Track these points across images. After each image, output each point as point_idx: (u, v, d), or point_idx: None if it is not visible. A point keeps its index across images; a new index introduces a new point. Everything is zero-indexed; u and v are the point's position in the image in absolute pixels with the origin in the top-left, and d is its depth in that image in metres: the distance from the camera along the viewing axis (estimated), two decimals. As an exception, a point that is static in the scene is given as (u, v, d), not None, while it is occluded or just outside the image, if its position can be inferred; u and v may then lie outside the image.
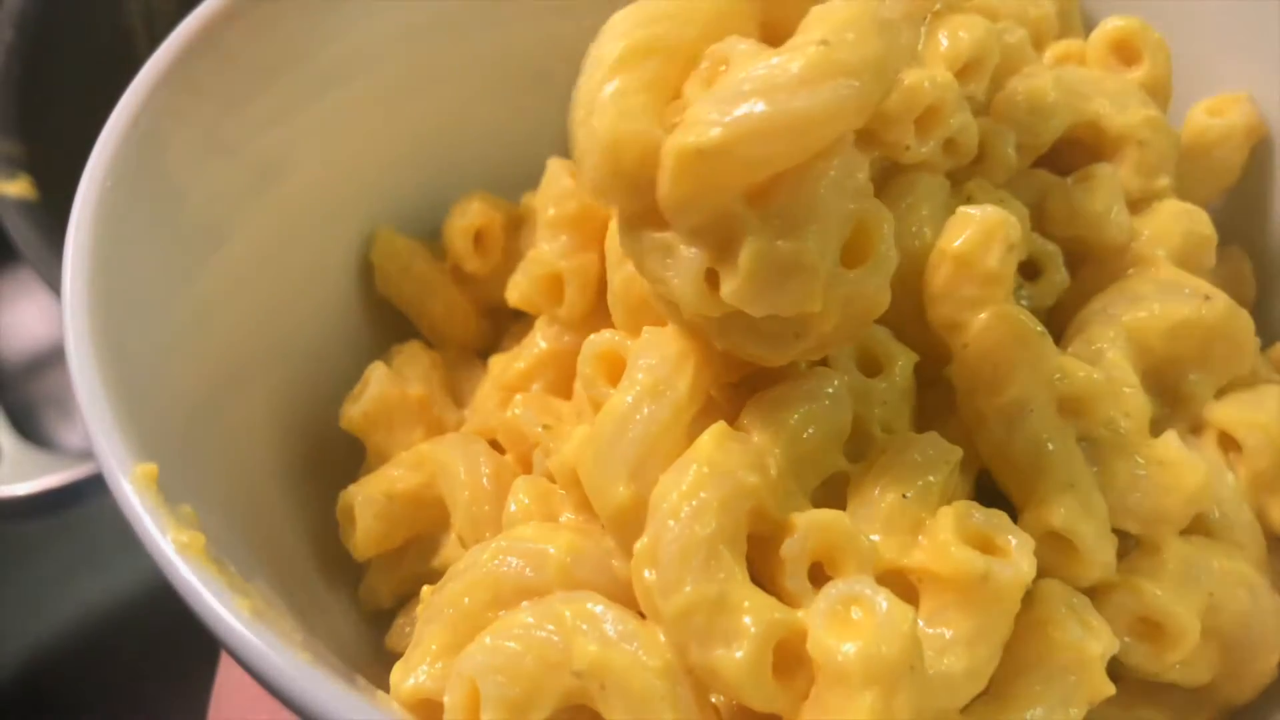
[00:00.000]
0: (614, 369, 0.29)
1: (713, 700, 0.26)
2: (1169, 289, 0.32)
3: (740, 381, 0.29)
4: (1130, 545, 0.29)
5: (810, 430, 0.27)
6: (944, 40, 0.27)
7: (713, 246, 0.26)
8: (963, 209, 0.28)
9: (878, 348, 0.30)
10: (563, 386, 0.34)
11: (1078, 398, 0.29)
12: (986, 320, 0.28)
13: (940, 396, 0.30)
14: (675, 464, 0.26)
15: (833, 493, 0.28)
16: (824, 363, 0.29)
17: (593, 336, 0.30)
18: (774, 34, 0.26)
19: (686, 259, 0.26)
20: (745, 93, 0.24)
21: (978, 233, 0.28)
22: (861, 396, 0.29)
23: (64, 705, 0.55)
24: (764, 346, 0.27)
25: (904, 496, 0.27)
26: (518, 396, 0.33)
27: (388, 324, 0.40)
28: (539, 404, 0.33)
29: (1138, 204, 0.35)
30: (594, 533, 0.28)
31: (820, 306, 0.26)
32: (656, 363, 0.28)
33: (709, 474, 0.25)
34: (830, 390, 0.28)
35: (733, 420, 0.27)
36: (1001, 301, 0.28)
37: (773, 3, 0.26)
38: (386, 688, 0.28)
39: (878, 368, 0.30)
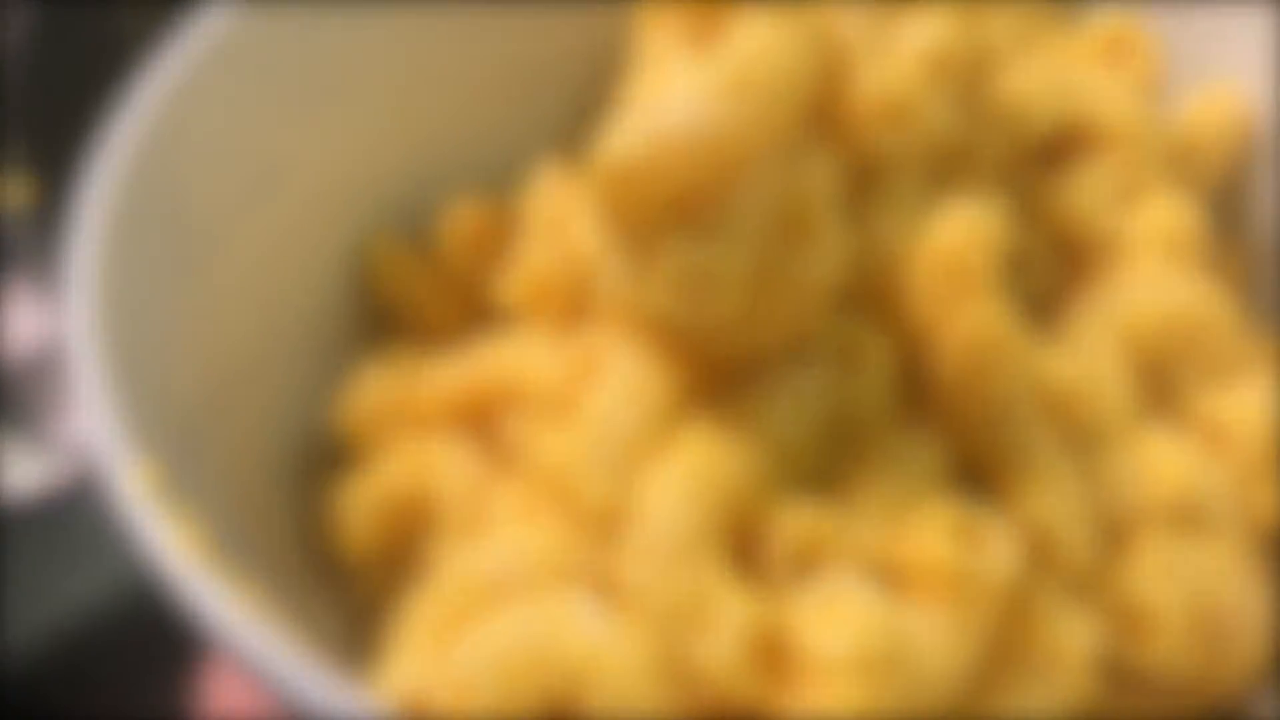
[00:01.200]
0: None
1: (697, 695, 0.26)
2: (1158, 283, 0.33)
3: (720, 379, 0.29)
4: (1114, 537, 0.30)
5: (792, 425, 0.28)
6: (911, 38, 0.28)
7: (641, 257, 0.27)
8: (945, 208, 0.28)
9: (858, 339, 0.30)
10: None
11: (1061, 393, 0.29)
12: (968, 318, 0.28)
13: (926, 393, 0.30)
14: (656, 463, 0.27)
15: (818, 487, 0.28)
16: (804, 356, 0.29)
17: (578, 336, 0.30)
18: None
19: (622, 267, 0.27)
20: (649, 116, 0.25)
21: (960, 232, 0.28)
22: (843, 389, 0.29)
23: (55, 699, 0.55)
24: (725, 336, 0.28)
25: (890, 491, 0.28)
26: (509, 395, 0.34)
27: (383, 324, 0.40)
28: (529, 402, 0.33)
29: (1127, 198, 0.35)
30: (578, 531, 0.29)
31: (738, 316, 0.27)
32: (632, 364, 0.28)
33: (690, 471, 0.26)
34: (811, 384, 0.28)
35: (713, 418, 0.28)
36: (984, 300, 0.28)
37: (701, 18, 0.27)
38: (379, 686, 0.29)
39: (859, 360, 0.30)
